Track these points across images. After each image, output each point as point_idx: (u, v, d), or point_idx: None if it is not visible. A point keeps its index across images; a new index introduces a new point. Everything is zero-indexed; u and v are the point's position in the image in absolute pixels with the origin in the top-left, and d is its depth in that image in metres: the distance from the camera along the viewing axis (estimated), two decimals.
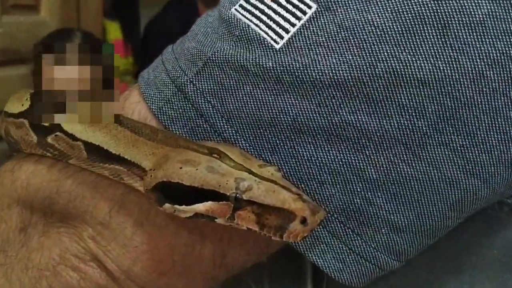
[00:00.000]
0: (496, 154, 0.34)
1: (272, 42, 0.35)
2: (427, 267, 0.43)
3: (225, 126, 0.37)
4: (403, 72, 0.33)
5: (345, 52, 0.34)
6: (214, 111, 0.37)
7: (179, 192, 0.35)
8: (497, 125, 0.33)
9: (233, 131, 0.37)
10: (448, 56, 0.33)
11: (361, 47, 0.33)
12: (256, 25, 0.36)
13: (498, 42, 0.32)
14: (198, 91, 0.38)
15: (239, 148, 0.37)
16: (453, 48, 0.33)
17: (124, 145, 0.38)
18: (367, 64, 0.33)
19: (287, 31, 0.35)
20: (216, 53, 0.37)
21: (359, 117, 0.34)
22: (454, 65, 0.33)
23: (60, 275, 0.42)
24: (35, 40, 1.67)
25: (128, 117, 0.40)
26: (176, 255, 0.40)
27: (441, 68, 0.33)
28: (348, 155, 0.35)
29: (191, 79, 0.38)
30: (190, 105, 0.38)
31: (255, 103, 0.36)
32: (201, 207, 0.34)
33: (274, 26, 0.36)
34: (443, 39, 0.33)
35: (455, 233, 0.41)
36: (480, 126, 0.33)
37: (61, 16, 1.93)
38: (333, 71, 0.34)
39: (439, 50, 0.33)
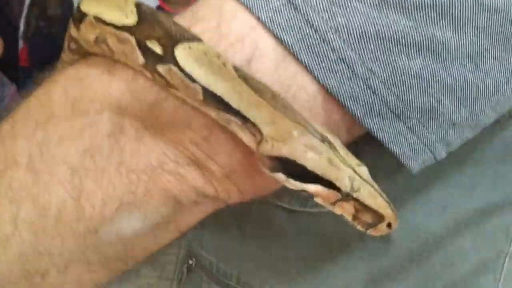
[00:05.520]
0: None
1: None
2: None
3: (334, 37, 0.42)
4: (485, 1, 0.43)
5: None
6: (323, 23, 0.42)
7: (295, 169, 0.40)
8: None
9: (342, 42, 0.43)
10: None
11: None
12: None
13: None
14: (308, 5, 0.42)
15: (339, 139, 0.43)
16: None
17: (247, 104, 0.41)
18: None
19: None
20: None
21: (445, 33, 0.43)
22: None
23: (158, 179, 0.43)
24: None
25: (250, 75, 0.41)
26: None
27: None
28: (432, 64, 0.44)
29: None
30: (300, 16, 0.42)
31: (362, 17, 0.42)
32: (311, 187, 0.41)
33: None
34: None
35: None
36: None
37: None
38: None
39: None
